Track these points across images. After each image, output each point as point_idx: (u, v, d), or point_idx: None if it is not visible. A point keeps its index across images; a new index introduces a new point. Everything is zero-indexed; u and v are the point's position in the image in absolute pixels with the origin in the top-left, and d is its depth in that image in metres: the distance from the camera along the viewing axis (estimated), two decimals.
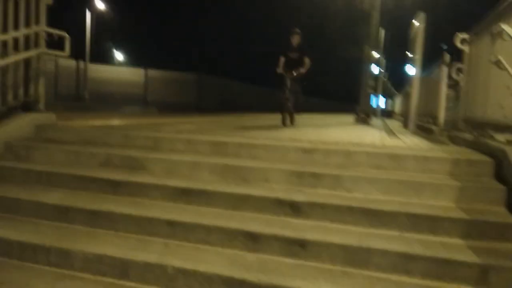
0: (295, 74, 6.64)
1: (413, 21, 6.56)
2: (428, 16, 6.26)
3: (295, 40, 6.80)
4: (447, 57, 5.66)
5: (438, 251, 2.27)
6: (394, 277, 2.25)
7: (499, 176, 2.92)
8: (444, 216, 2.51)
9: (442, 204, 2.72)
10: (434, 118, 6.15)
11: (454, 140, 4.43)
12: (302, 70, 6.69)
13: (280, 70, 6.74)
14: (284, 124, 6.74)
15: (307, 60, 6.74)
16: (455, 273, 2.18)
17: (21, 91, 4.38)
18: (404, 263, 2.26)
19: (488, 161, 3.01)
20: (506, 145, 3.01)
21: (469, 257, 2.21)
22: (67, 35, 4.71)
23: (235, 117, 9.41)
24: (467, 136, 4.04)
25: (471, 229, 2.45)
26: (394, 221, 2.56)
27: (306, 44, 7.05)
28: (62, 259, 2.51)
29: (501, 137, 3.22)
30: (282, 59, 6.79)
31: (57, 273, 2.46)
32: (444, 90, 5.81)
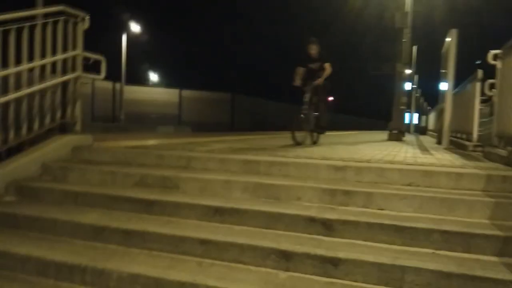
0: (314, 83, 6.07)
1: (447, 38, 6.51)
2: (461, 31, 6.19)
3: (313, 49, 6.26)
4: (480, 72, 5.55)
5: (472, 268, 2.22)
6: None
7: None
8: (478, 233, 2.46)
9: (476, 221, 2.66)
10: (467, 134, 6.01)
11: (488, 156, 4.31)
12: (320, 80, 6.10)
13: (296, 82, 6.14)
14: (295, 142, 5.82)
15: (327, 66, 6.17)
16: None
17: (58, 114, 4.56)
18: (438, 281, 2.22)
19: None
20: None
21: (504, 275, 2.15)
22: (102, 58, 4.93)
23: (268, 136, 9.48)
24: (501, 152, 3.93)
25: (505, 246, 2.38)
26: (427, 239, 2.53)
27: (326, 51, 6.48)
28: (97, 278, 2.57)
29: None
30: (299, 70, 6.22)
31: None
32: (477, 105, 5.69)
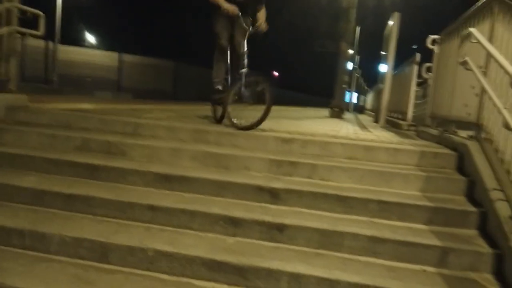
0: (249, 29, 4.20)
1: (389, 21, 6.79)
2: (404, 16, 6.50)
3: None
4: (417, 56, 5.91)
5: (404, 235, 2.46)
6: (364, 258, 2.42)
7: (461, 168, 3.16)
8: (411, 203, 2.71)
9: (409, 193, 2.92)
10: (403, 114, 6.42)
11: (421, 135, 4.68)
12: (261, 25, 4.28)
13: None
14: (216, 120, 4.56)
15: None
16: (419, 255, 2.38)
17: None
18: (373, 246, 2.44)
19: (452, 154, 3.25)
20: (467, 140, 3.24)
21: (432, 241, 2.41)
22: (42, 14, 4.58)
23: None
24: (433, 131, 4.29)
25: (435, 216, 2.65)
26: (365, 208, 2.74)
27: None
28: (38, 242, 2.49)
29: (464, 133, 3.46)
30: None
31: (34, 256, 2.44)
32: (413, 88, 6.07)
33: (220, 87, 4.42)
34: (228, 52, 4.42)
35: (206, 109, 8.26)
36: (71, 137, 3.60)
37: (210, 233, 2.62)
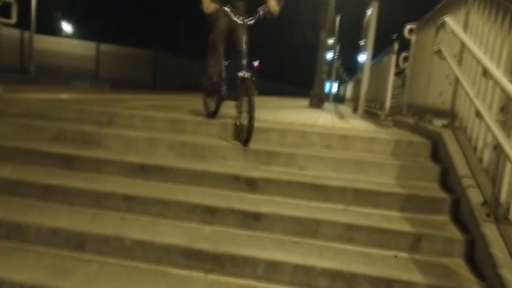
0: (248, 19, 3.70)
1: (368, 10, 6.83)
2: (385, 6, 6.53)
3: None
4: (395, 46, 5.97)
5: (378, 222, 2.51)
6: (339, 245, 2.46)
7: (435, 156, 3.22)
8: (385, 191, 2.75)
9: (384, 181, 2.97)
10: (381, 104, 6.50)
11: (398, 124, 4.75)
12: (272, 7, 3.60)
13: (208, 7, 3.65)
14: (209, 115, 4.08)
15: None
16: (392, 241, 2.43)
17: None
18: (348, 233, 2.48)
19: (426, 143, 3.31)
20: (441, 129, 3.31)
21: (405, 227, 2.47)
22: (13, 1, 4.45)
23: (192, 97, 9.37)
24: (409, 120, 4.36)
25: (408, 203, 2.71)
26: (341, 196, 2.77)
27: None
28: (14, 232, 2.48)
29: (438, 122, 3.52)
30: None
31: (10, 246, 2.43)
32: (391, 77, 6.14)
33: (214, 78, 3.92)
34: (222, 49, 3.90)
35: (186, 99, 8.21)
36: (46, 127, 3.54)
37: (187, 222, 2.61)
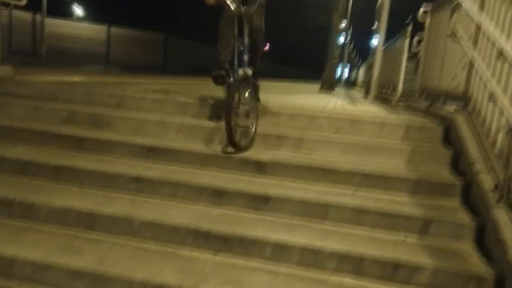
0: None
1: None
2: None
3: None
4: (408, 29, 5.85)
5: (387, 206, 2.49)
6: (347, 228, 2.45)
7: (447, 140, 3.18)
8: (395, 175, 2.73)
9: (394, 165, 2.94)
10: (393, 89, 6.42)
11: (409, 109, 4.69)
12: None
13: None
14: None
15: None
16: (400, 225, 2.42)
17: None
18: (356, 216, 2.47)
19: (438, 127, 3.26)
20: (454, 113, 3.26)
21: (414, 211, 2.45)
22: None
23: (202, 81, 9.35)
24: (422, 105, 4.29)
25: (418, 187, 2.68)
26: (350, 180, 2.76)
27: None
28: (26, 211, 2.52)
29: (451, 106, 3.47)
30: None
31: (21, 225, 2.47)
32: (403, 61, 6.04)
33: (222, 66, 3.49)
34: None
35: (196, 83, 8.20)
36: (57, 109, 3.57)
37: (196, 204, 2.63)
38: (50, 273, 2.10)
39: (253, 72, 3.28)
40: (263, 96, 3.96)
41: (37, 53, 16.76)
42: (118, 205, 2.54)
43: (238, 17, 3.27)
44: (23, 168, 2.89)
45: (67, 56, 17.13)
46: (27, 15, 16.24)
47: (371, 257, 2.15)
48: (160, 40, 20.81)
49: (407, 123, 3.36)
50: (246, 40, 3.26)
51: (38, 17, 16.91)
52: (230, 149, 2.97)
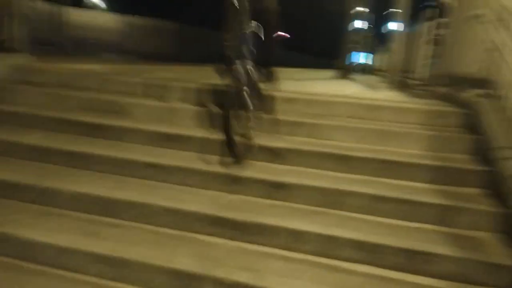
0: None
1: None
2: None
3: None
4: (430, 12, 5.66)
5: (405, 193, 2.44)
6: (363, 216, 2.41)
7: (467, 127, 3.08)
8: (413, 162, 2.67)
9: (413, 152, 2.87)
10: (413, 74, 6.25)
11: (430, 94, 4.55)
12: None
13: None
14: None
15: None
16: (418, 213, 2.36)
17: None
18: (374, 204, 2.42)
19: (459, 113, 3.16)
20: (476, 98, 3.15)
21: (433, 199, 2.39)
22: None
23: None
24: (442, 90, 4.17)
25: (437, 175, 2.62)
26: (367, 167, 2.71)
27: None
28: (45, 197, 2.56)
29: (473, 91, 3.35)
30: None
31: (41, 209, 2.52)
32: (424, 45, 5.86)
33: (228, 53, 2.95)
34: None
35: (210, 70, 8.17)
36: (75, 96, 3.62)
37: (210, 190, 2.62)
38: (70, 255, 2.14)
39: (266, 63, 3.02)
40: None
41: (55, 42, 16.98)
42: (133, 190, 2.56)
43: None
44: (43, 155, 2.94)
45: (84, 45, 17.27)
46: (45, 6, 16.40)
47: (387, 245, 2.12)
48: (174, 29, 20.72)
49: (427, 108, 3.27)
50: (249, 25, 2.79)
51: (56, 7, 17.08)
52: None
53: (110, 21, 19.23)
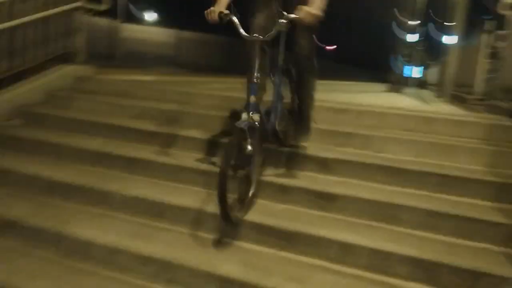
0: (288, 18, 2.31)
1: None
2: None
3: None
4: (487, 24, 5.40)
5: (466, 211, 2.31)
6: (420, 233, 2.30)
7: None
8: (475, 178, 2.53)
9: (474, 168, 2.73)
10: (470, 88, 5.97)
11: (489, 109, 4.32)
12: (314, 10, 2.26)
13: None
14: None
15: None
16: (482, 232, 2.22)
17: (61, 43, 4.51)
18: (431, 220, 2.31)
19: None
20: None
21: (498, 218, 2.24)
22: None
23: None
24: (505, 104, 3.94)
25: (502, 192, 2.46)
26: (423, 181, 2.60)
27: None
28: (102, 199, 2.67)
29: None
30: None
31: (96, 211, 2.61)
32: (481, 59, 5.59)
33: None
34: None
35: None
36: (132, 105, 3.79)
37: (260, 199, 2.62)
38: (122, 257, 2.20)
39: (302, 103, 2.75)
40: (326, 95, 3.85)
41: (112, 56, 17.90)
42: (186, 196, 2.61)
43: (260, 42, 2.42)
44: (101, 159, 3.07)
45: (139, 58, 18.09)
46: (103, 21, 17.39)
47: (448, 265, 1.99)
48: (223, 43, 21.19)
49: (489, 122, 3.11)
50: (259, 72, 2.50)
51: (113, 22, 18.05)
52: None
53: (162, 35, 20.05)
